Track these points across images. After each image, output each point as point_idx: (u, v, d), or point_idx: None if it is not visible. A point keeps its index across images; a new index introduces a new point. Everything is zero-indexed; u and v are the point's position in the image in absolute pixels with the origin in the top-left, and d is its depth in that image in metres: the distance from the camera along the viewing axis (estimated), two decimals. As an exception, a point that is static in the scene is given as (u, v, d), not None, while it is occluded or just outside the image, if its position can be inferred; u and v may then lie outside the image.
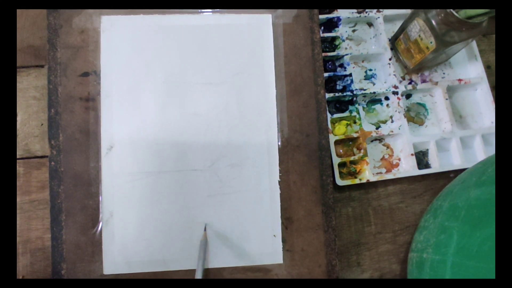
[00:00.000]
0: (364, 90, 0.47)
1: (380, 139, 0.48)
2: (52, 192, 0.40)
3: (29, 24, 0.45)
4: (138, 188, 0.41)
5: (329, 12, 0.48)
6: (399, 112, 0.47)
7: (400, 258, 0.45)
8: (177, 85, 0.43)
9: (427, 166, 0.47)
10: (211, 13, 0.44)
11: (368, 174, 0.45)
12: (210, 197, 0.41)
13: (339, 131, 0.46)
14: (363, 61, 0.50)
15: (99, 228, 0.40)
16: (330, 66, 0.49)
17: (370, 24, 0.51)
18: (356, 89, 0.47)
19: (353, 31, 0.51)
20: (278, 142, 0.43)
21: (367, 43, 0.51)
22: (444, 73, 0.50)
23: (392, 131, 0.47)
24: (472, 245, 0.31)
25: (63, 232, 0.39)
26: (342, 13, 0.49)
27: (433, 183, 0.47)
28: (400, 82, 0.48)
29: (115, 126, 0.41)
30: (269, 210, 0.42)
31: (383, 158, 0.48)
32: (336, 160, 0.44)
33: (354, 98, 0.47)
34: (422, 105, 0.50)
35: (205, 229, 0.40)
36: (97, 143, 0.41)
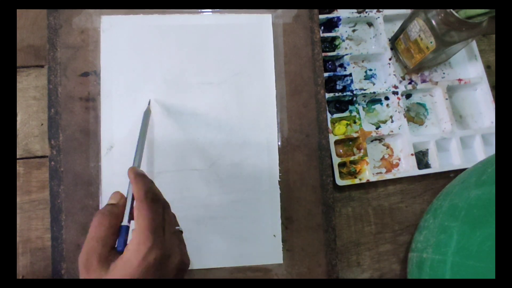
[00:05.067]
0: (364, 90, 0.47)
1: (380, 139, 0.48)
2: (52, 192, 0.40)
3: (29, 24, 0.45)
4: (138, 188, 0.40)
5: (329, 12, 0.48)
6: (399, 112, 0.47)
7: (400, 258, 0.45)
8: (177, 85, 0.43)
9: (427, 166, 0.47)
10: (211, 13, 0.44)
11: (368, 174, 0.45)
12: (210, 196, 0.41)
13: (339, 131, 0.46)
14: (363, 61, 0.50)
15: (99, 228, 0.40)
16: (330, 66, 0.48)
17: (370, 24, 0.51)
18: (356, 89, 0.47)
19: (353, 31, 0.51)
20: (278, 142, 0.43)
21: (367, 43, 0.50)
22: (444, 73, 0.50)
23: (392, 131, 0.46)
24: (472, 245, 0.31)
25: (63, 232, 0.39)
26: (342, 13, 0.48)
27: (433, 183, 0.47)
28: (400, 82, 0.48)
29: (115, 126, 0.41)
30: (269, 210, 0.41)
31: (383, 158, 0.48)
32: (336, 160, 0.44)
33: (354, 98, 0.47)
34: (422, 105, 0.50)
35: (149, 103, 0.41)
36: (97, 143, 0.41)
